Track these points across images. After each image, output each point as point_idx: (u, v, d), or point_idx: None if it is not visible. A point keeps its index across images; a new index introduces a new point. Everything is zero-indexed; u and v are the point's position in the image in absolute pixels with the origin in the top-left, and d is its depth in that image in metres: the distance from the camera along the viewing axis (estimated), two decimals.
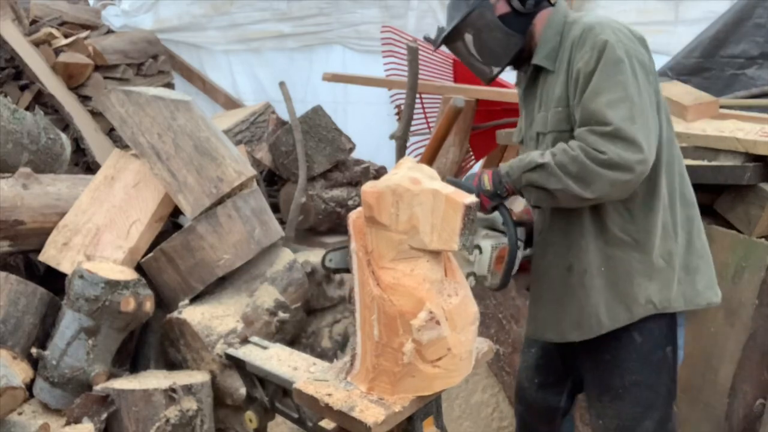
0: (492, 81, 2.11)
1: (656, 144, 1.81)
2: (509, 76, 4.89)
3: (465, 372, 1.74)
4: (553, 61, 1.95)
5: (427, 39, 2.08)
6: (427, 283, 1.64)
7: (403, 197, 1.61)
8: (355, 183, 4.02)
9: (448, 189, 1.62)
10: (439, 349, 1.64)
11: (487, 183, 1.94)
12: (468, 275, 1.80)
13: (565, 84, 1.89)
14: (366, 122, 5.09)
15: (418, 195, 1.60)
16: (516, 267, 2.00)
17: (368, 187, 1.63)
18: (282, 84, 4.14)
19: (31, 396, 2.62)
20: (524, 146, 2.16)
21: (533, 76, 2.05)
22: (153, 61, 4.91)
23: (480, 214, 1.94)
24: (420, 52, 4.14)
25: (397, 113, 4.64)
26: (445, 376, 1.69)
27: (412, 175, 1.64)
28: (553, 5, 2.01)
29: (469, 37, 2.02)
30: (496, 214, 2.00)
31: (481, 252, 1.95)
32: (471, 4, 1.97)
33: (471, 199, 1.59)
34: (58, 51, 4.42)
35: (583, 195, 1.79)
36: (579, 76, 1.83)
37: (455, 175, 4.17)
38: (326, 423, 1.94)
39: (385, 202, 1.61)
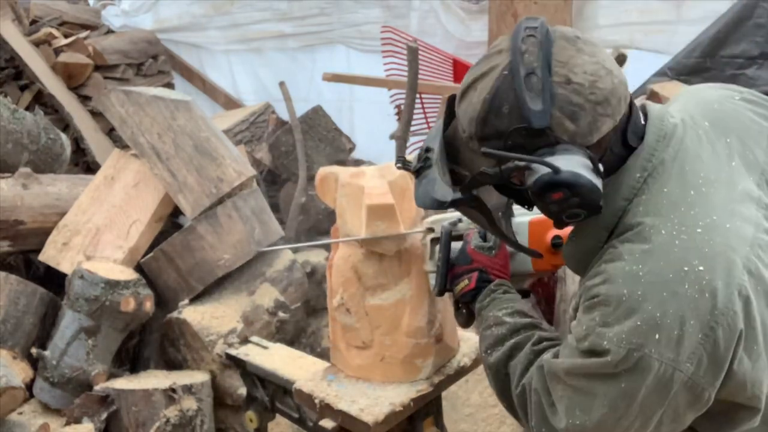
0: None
1: None
2: None
3: (393, 377, 1.74)
4: (578, 267, 1.33)
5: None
6: (352, 272, 1.73)
7: (338, 186, 1.73)
8: None
9: (374, 189, 1.69)
10: (354, 338, 1.75)
11: (457, 292, 1.56)
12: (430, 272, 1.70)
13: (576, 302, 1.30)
14: (373, 120, 5.09)
15: (345, 187, 1.72)
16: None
17: (322, 168, 1.78)
18: (282, 84, 4.14)
19: (31, 396, 2.62)
20: None
21: None
22: (153, 61, 4.91)
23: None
24: (420, 52, 4.14)
25: (397, 113, 4.64)
26: (365, 368, 1.76)
27: (366, 170, 1.76)
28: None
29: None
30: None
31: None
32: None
33: (374, 201, 1.66)
34: (58, 51, 4.41)
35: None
36: (570, 333, 1.24)
37: None
38: (326, 422, 1.94)
39: (328, 185, 1.76)
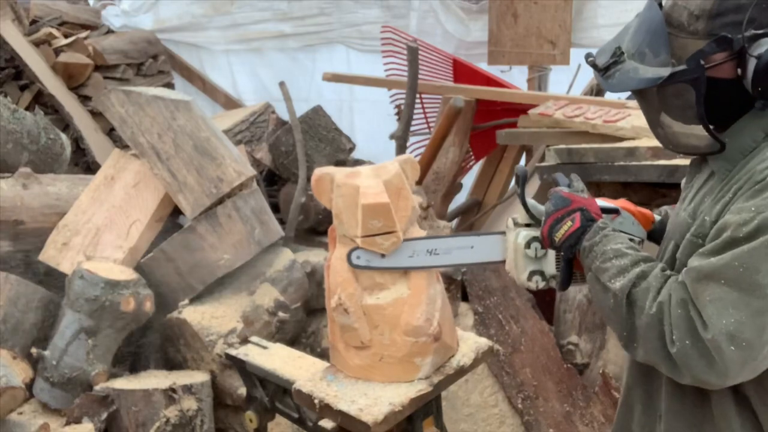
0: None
1: (755, 374, 1.29)
2: (508, 76, 4.93)
3: (392, 377, 1.75)
4: (728, 170, 1.37)
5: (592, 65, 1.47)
6: (349, 272, 1.74)
7: (334, 186, 1.74)
8: None
9: (369, 189, 1.70)
10: (353, 338, 1.75)
11: (559, 236, 1.51)
12: (532, 274, 1.61)
13: (724, 205, 1.33)
14: (373, 119, 5.10)
15: (341, 187, 1.72)
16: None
17: (318, 169, 1.79)
18: (282, 84, 4.14)
19: (31, 396, 2.62)
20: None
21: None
22: (153, 61, 4.91)
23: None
24: (420, 52, 4.15)
25: (397, 113, 4.64)
26: (364, 368, 1.76)
27: (361, 170, 1.77)
28: None
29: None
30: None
31: (543, 249, 1.63)
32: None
33: (369, 201, 1.67)
34: (58, 51, 4.41)
35: (624, 347, 1.41)
36: (721, 231, 1.28)
37: (455, 175, 4.18)
38: (326, 422, 1.94)
39: (323, 186, 1.76)
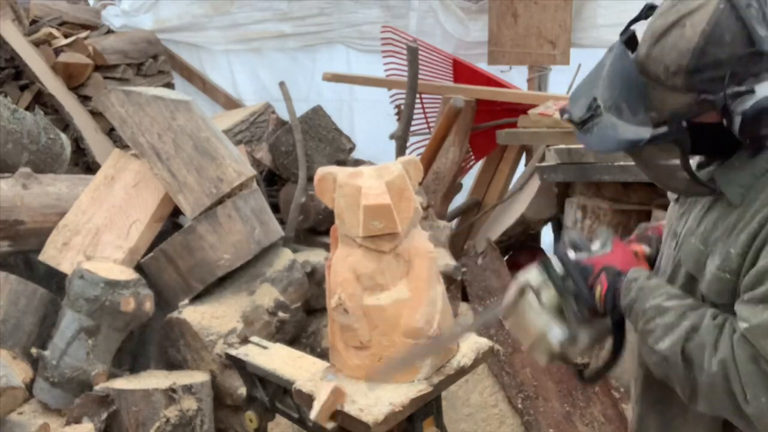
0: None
1: None
2: (508, 76, 4.93)
3: (392, 378, 1.75)
4: (742, 194, 1.31)
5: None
6: (350, 272, 1.75)
7: (336, 186, 1.76)
8: None
9: (371, 189, 1.71)
10: (352, 338, 1.76)
11: (598, 299, 1.44)
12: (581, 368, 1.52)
13: (752, 237, 1.26)
14: (373, 119, 5.10)
15: (343, 187, 1.74)
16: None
17: (320, 169, 1.81)
18: (282, 84, 4.14)
19: (31, 396, 2.62)
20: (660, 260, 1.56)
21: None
22: (153, 61, 4.90)
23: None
24: (420, 52, 4.14)
25: (397, 113, 4.64)
26: (363, 368, 1.77)
27: (364, 170, 1.79)
28: None
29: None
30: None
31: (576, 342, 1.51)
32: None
33: (370, 202, 1.68)
34: (58, 51, 4.41)
35: (686, 401, 1.33)
36: (763, 276, 1.23)
37: (455, 175, 4.17)
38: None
39: (326, 185, 1.78)
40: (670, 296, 1.35)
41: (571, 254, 1.48)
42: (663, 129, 1.26)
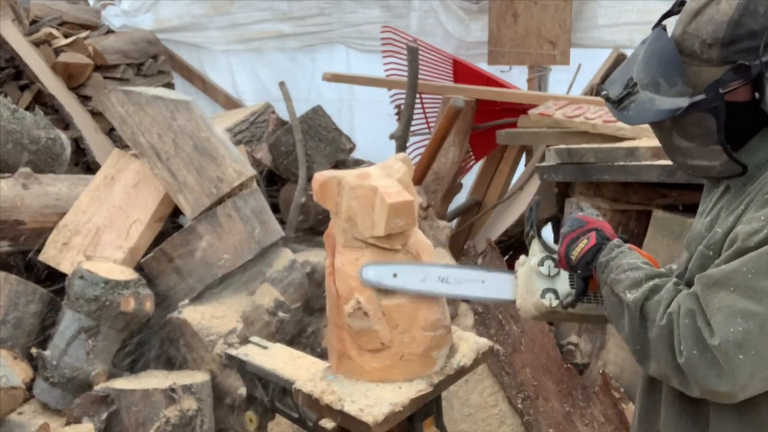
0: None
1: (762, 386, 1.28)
2: (508, 76, 4.93)
3: (412, 374, 1.76)
4: (743, 184, 1.39)
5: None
6: None
7: (344, 189, 1.73)
8: None
9: (389, 188, 1.70)
10: (371, 341, 1.73)
11: (576, 254, 1.53)
12: (545, 292, 1.60)
13: (737, 217, 1.35)
14: (373, 119, 5.10)
15: (355, 189, 1.72)
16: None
17: (319, 174, 1.78)
18: (282, 84, 4.14)
19: (31, 396, 2.62)
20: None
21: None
22: (153, 61, 4.90)
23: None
24: (420, 52, 4.14)
25: (397, 113, 4.64)
26: (383, 370, 1.75)
27: (370, 171, 1.77)
28: None
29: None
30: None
31: (557, 268, 1.64)
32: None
33: (394, 200, 1.67)
34: (58, 51, 4.41)
35: (638, 362, 1.41)
36: (732, 242, 1.30)
37: (455, 175, 4.18)
38: (326, 422, 1.94)
39: (330, 190, 1.76)
40: (645, 262, 1.44)
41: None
42: (700, 96, 1.30)
